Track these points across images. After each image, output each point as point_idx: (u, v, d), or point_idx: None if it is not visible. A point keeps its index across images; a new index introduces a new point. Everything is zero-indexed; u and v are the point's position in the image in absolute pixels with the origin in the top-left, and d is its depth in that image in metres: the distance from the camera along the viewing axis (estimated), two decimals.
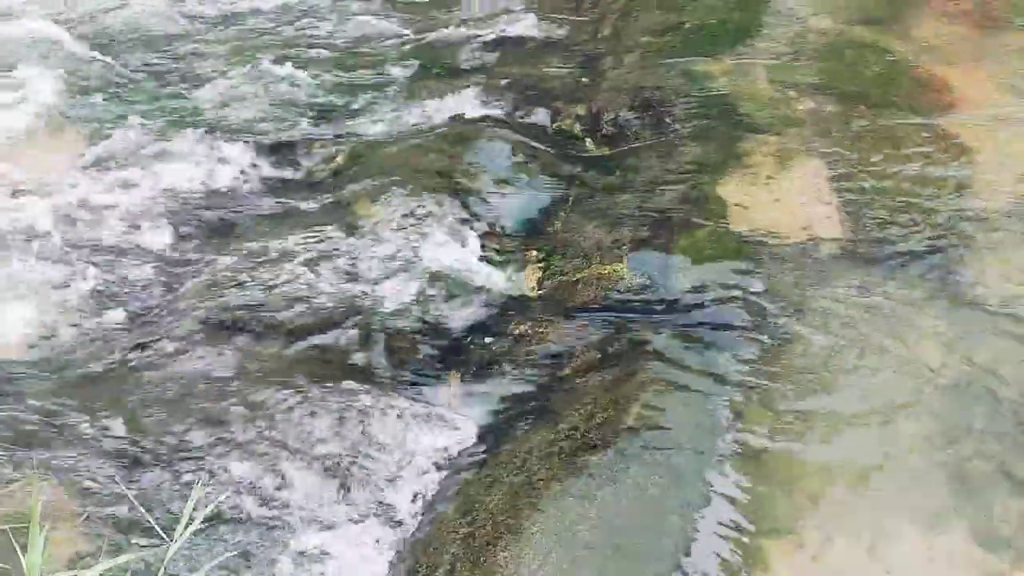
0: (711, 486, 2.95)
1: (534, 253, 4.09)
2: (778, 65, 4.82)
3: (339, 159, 4.70)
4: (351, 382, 3.53)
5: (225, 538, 2.99)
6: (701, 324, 3.56)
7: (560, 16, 5.75)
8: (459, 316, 3.83)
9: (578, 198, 4.29)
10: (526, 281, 3.98)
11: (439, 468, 3.29)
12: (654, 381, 3.33)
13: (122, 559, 1.80)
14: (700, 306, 3.62)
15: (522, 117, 4.89)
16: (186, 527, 1.69)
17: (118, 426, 3.36)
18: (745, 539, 2.82)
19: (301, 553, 3.00)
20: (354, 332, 3.74)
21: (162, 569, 1.79)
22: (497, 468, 3.19)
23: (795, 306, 3.53)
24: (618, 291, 3.76)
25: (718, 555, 2.80)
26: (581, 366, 3.52)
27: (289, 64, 5.30)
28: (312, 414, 3.39)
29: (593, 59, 5.26)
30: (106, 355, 3.69)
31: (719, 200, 4.06)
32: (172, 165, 4.60)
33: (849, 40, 4.98)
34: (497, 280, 3.99)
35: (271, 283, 3.94)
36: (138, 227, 4.25)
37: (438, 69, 5.33)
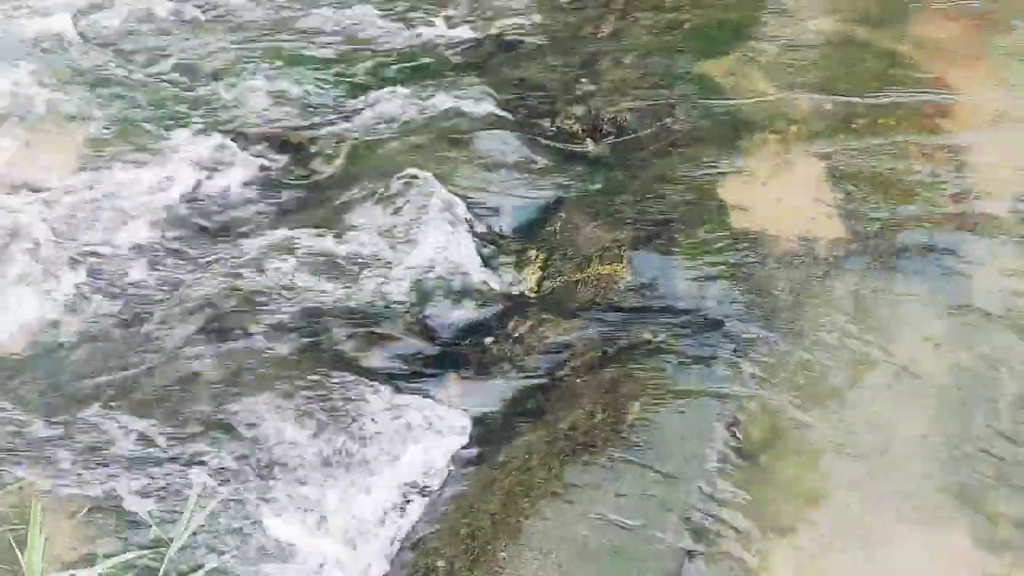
0: (711, 486, 2.95)
1: (534, 253, 4.09)
2: (778, 64, 4.81)
3: (338, 158, 4.69)
4: (351, 383, 3.53)
5: (225, 538, 2.99)
6: (701, 324, 3.55)
7: (560, 15, 5.74)
8: (459, 316, 3.83)
9: (578, 198, 4.29)
10: (526, 281, 3.98)
11: (439, 468, 3.29)
12: (654, 381, 3.33)
13: (121, 559, 1.80)
14: (700, 306, 3.62)
15: (522, 117, 4.89)
16: (187, 527, 1.69)
17: (118, 426, 3.36)
18: (745, 539, 2.82)
19: (301, 552, 3.00)
20: (354, 332, 3.74)
21: (162, 569, 1.79)
22: (497, 468, 3.18)
23: (795, 306, 3.53)
24: (618, 291, 3.76)
25: (718, 555, 2.80)
26: (581, 366, 3.52)
27: (288, 63, 5.29)
28: (311, 414, 3.39)
29: (593, 59, 5.25)
30: (105, 355, 3.69)
31: (719, 200, 4.05)
32: (171, 165, 4.59)
33: (849, 40, 4.97)
34: (497, 280, 3.99)
35: (270, 283, 3.93)
36: (137, 227, 4.24)
37: (437, 68, 5.32)
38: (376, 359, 3.66)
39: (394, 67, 5.36)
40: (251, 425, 3.35)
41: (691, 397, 3.26)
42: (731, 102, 4.63)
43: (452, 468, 3.28)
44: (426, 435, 3.37)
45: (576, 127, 4.77)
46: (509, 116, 4.88)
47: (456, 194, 4.31)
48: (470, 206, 4.27)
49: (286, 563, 2.97)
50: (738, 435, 3.09)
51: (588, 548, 2.81)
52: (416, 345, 3.73)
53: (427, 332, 3.78)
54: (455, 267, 4.00)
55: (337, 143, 4.79)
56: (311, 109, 5.03)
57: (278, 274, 3.96)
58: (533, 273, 4.01)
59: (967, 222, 3.82)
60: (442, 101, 4.97)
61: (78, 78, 5.17)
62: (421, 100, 5.01)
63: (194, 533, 1.70)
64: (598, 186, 4.35)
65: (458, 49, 5.49)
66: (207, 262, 4.09)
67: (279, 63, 5.28)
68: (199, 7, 5.81)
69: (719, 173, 4.19)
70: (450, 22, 5.76)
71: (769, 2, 5.35)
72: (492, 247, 4.12)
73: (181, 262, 4.11)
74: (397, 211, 4.24)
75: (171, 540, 1.70)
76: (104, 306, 3.89)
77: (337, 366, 3.62)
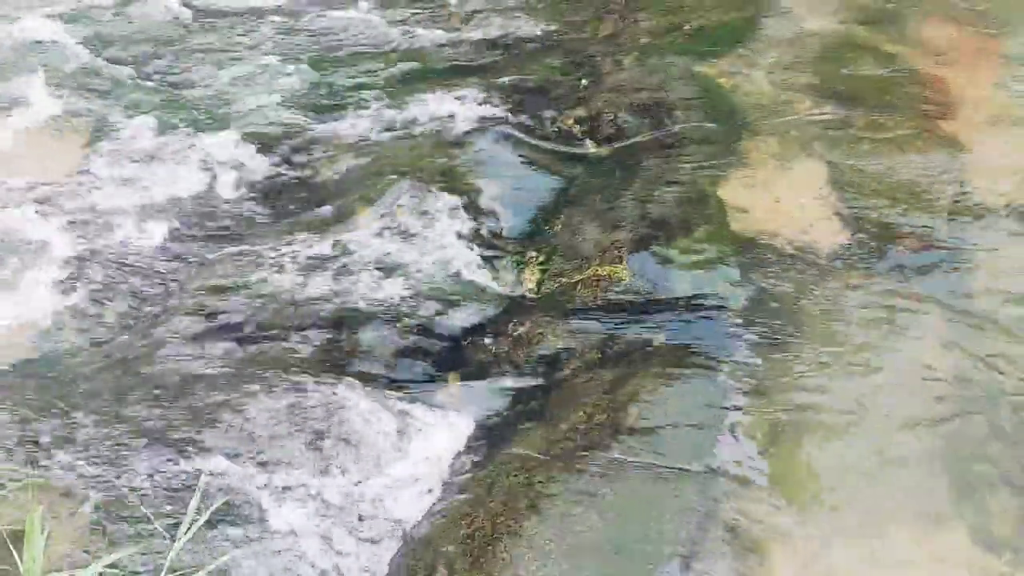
0: (711, 486, 2.96)
1: (534, 253, 4.09)
2: (778, 65, 4.82)
3: (339, 159, 4.69)
4: (351, 383, 3.53)
5: (225, 538, 2.99)
6: (700, 325, 3.56)
7: (560, 16, 5.75)
8: (459, 316, 3.83)
9: (578, 198, 4.29)
10: (526, 282, 3.98)
11: (439, 469, 3.29)
12: (654, 381, 3.33)
13: (117, 556, 1.80)
14: (699, 307, 3.62)
15: (522, 117, 4.89)
16: (189, 527, 1.69)
17: (118, 426, 3.36)
18: (745, 539, 2.82)
19: (300, 553, 3.00)
20: (354, 332, 3.74)
21: (165, 568, 1.78)
22: (497, 468, 3.19)
23: (795, 307, 3.53)
24: (618, 292, 3.76)
25: (718, 555, 2.80)
26: (581, 366, 3.52)
27: (288, 64, 5.30)
28: (312, 415, 3.39)
29: (593, 59, 5.26)
30: (105, 355, 3.69)
31: (719, 201, 4.06)
32: (171, 165, 4.60)
33: (848, 41, 4.98)
34: (497, 280, 3.99)
35: (270, 283, 3.94)
36: (137, 228, 4.25)
37: (438, 69, 5.33)
38: (376, 360, 3.66)
39: (395, 68, 5.36)
40: (252, 426, 3.36)
41: (691, 397, 3.26)
42: (731, 103, 4.63)
43: (452, 468, 3.28)
44: (426, 435, 3.37)
45: (576, 128, 4.78)
46: (509, 117, 4.89)
47: (456, 195, 4.31)
48: (470, 207, 4.28)
49: (287, 563, 2.97)
50: (738, 436, 3.09)
51: (588, 548, 2.81)
52: (416, 346, 3.73)
53: (427, 333, 3.78)
54: (455, 268, 4.00)
55: (338, 144, 4.79)
56: (312, 110, 5.03)
57: (278, 275, 3.97)
58: (533, 274, 4.01)
59: (967, 221, 3.83)
60: (443, 102, 4.97)
61: (80, 79, 5.17)
62: (422, 101, 5.02)
63: (196, 533, 1.70)
64: (598, 187, 4.35)
65: (459, 50, 5.49)
66: (207, 263, 4.09)
67: (281, 64, 5.28)
68: (199, 8, 5.81)
69: (719, 174, 4.19)
70: (450, 23, 5.76)
71: (769, 4, 5.36)
72: (492, 248, 4.12)
73: (181, 263, 4.11)
74: (397, 212, 4.24)
75: (173, 539, 1.70)
76: (104, 306, 3.89)
77: (337, 367, 3.62)
